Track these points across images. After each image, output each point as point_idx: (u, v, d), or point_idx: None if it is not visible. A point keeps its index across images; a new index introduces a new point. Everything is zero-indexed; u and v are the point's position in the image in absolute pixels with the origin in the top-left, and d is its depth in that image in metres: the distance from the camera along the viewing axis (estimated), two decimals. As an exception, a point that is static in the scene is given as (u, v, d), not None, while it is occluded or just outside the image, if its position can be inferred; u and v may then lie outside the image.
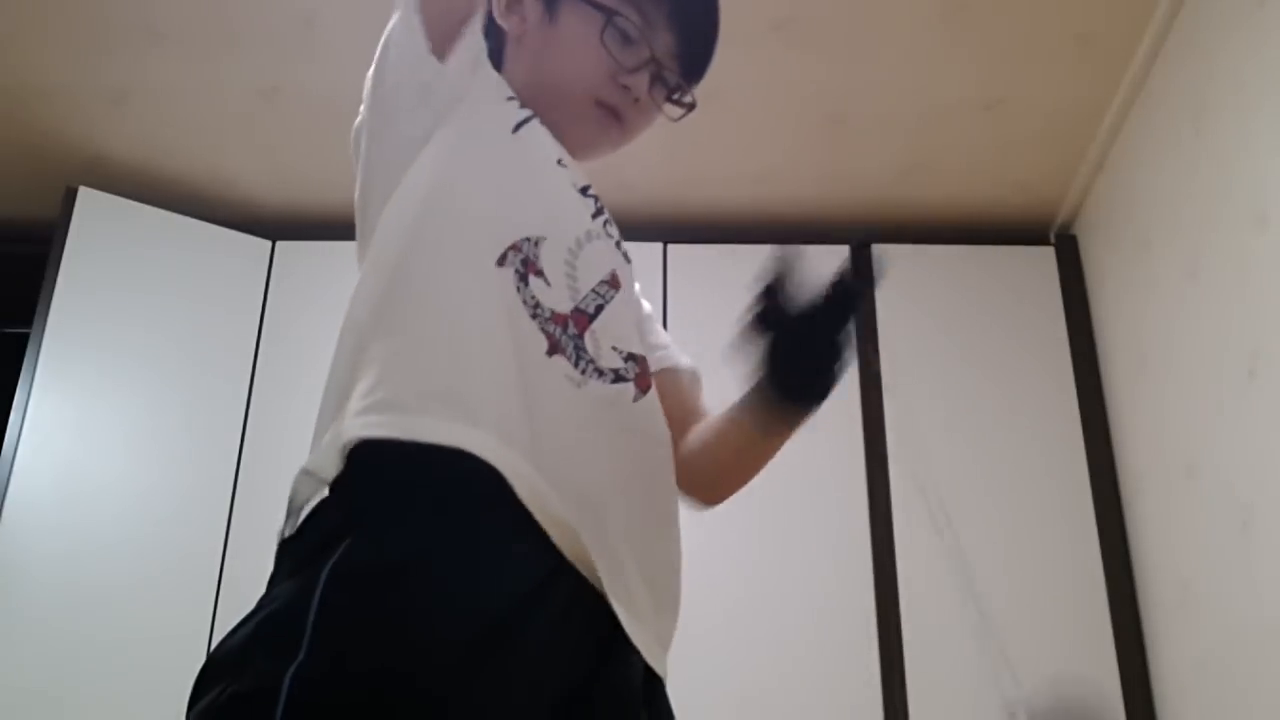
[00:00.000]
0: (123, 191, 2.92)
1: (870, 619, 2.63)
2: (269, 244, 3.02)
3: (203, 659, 0.90)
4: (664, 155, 2.79)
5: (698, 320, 2.98)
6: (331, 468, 0.95)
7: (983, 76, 2.67)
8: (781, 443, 1.13)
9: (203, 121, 2.84)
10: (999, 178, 2.94)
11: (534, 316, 1.01)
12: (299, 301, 2.94)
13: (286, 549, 0.96)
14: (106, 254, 2.86)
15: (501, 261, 1.02)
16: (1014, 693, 2.58)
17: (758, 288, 1.01)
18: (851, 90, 2.72)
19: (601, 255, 1.09)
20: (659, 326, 1.29)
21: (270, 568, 0.97)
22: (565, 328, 1.02)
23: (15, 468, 2.60)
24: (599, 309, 1.05)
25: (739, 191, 3.01)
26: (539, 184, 1.10)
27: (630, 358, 1.06)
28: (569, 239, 1.07)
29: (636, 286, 1.25)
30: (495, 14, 1.23)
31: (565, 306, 1.03)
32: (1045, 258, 3.00)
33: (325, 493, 0.96)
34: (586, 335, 1.03)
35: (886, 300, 2.91)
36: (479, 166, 1.08)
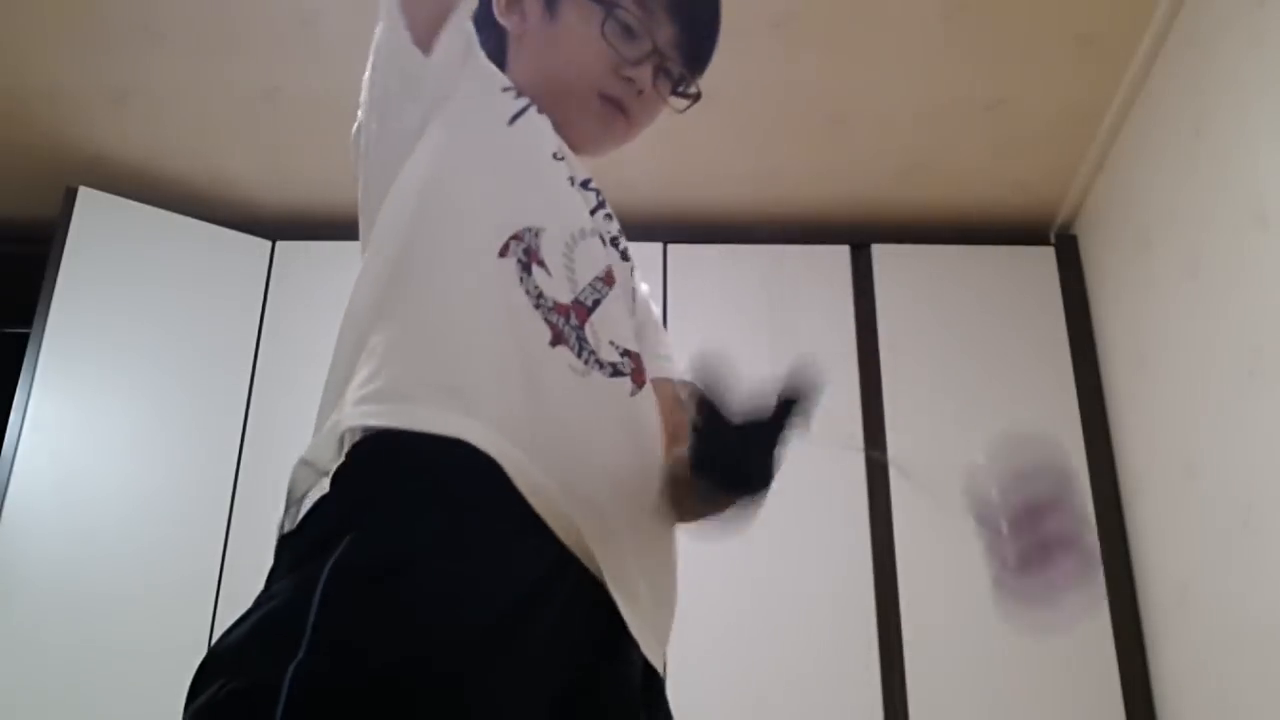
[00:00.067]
0: (123, 191, 2.92)
1: (870, 619, 2.63)
2: (269, 244, 3.02)
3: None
4: (664, 155, 2.79)
5: (698, 320, 3.00)
6: (330, 457, 0.95)
7: (983, 76, 2.67)
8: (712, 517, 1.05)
9: (203, 121, 2.84)
10: (999, 178, 2.94)
11: (537, 306, 1.01)
12: (299, 301, 2.94)
13: (286, 544, 0.96)
14: (106, 254, 2.86)
15: (504, 252, 1.02)
16: (1014, 693, 2.58)
17: (698, 403, 0.92)
18: (851, 90, 2.72)
19: (596, 251, 1.09)
20: (666, 336, 1.27)
21: (270, 566, 0.97)
22: (568, 318, 1.02)
23: (15, 468, 2.60)
24: (596, 303, 1.05)
25: (739, 191, 3.01)
26: (536, 175, 1.11)
27: (626, 353, 1.06)
28: (566, 232, 1.07)
29: (644, 288, 1.25)
30: (496, 12, 1.23)
31: (566, 297, 1.03)
32: (1045, 258, 3.00)
33: (324, 484, 0.96)
34: (586, 327, 1.03)
35: (886, 300, 2.92)
36: (475, 158, 1.08)
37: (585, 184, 1.15)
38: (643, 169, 2.81)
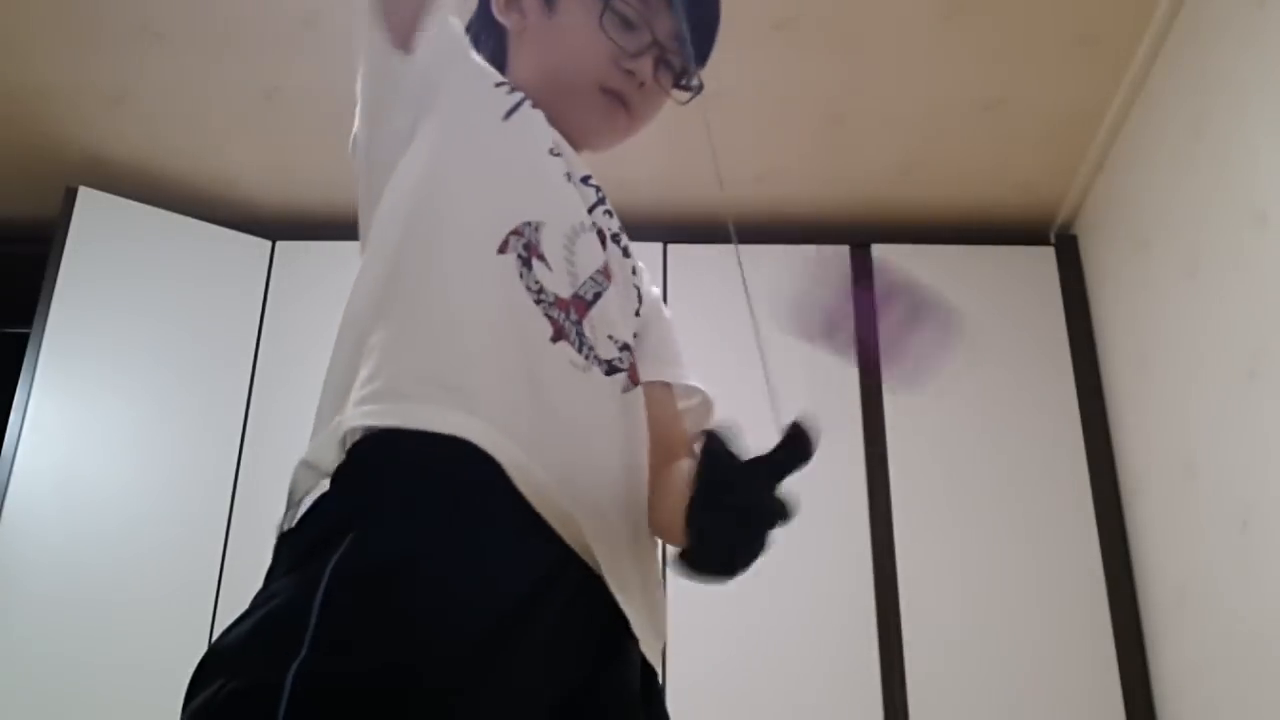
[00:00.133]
0: (123, 191, 2.92)
1: (870, 619, 2.63)
2: (269, 244, 3.02)
3: (203, 658, 0.90)
4: (664, 155, 2.78)
5: (698, 320, 2.99)
6: (332, 458, 0.95)
7: (983, 76, 2.67)
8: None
9: (203, 121, 2.84)
10: (999, 178, 2.94)
11: (538, 302, 1.01)
12: (299, 301, 2.94)
13: (285, 542, 0.96)
14: (106, 254, 2.86)
15: (503, 248, 1.02)
16: (1014, 693, 2.58)
17: (707, 459, 0.87)
18: (851, 90, 2.72)
19: (595, 247, 1.09)
20: (675, 338, 1.24)
21: (269, 565, 0.97)
22: (568, 313, 1.02)
23: (15, 468, 2.60)
24: (597, 296, 1.05)
25: (739, 191, 3.01)
26: (533, 170, 1.10)
27: (625, 347, 1.06)
28: (566, 225, 1.07)
29: (655, 291, 1.24)
30: (495, 12, 1.23)
31: (566, 292, 1.03)
32: (1045, 258, 3.00)
33: (325, 485, 0.96)
34: (585, 322, 1.03)
35: (886, 300, 2.91)
36: (471, 154, 1.08)
37: (585, 180, 1.15)
38: (644, 169, 2.81)
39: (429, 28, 1.08)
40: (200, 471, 2.77)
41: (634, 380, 1.07)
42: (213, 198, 3.01)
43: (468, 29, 1.27)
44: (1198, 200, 2.38)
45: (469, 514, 0.92)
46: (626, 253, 1.17)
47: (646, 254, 1.28)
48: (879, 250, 2.97)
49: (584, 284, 1.05)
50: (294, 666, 0.82)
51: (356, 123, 1.12)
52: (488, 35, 1.26)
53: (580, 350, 1.02)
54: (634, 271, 1.18)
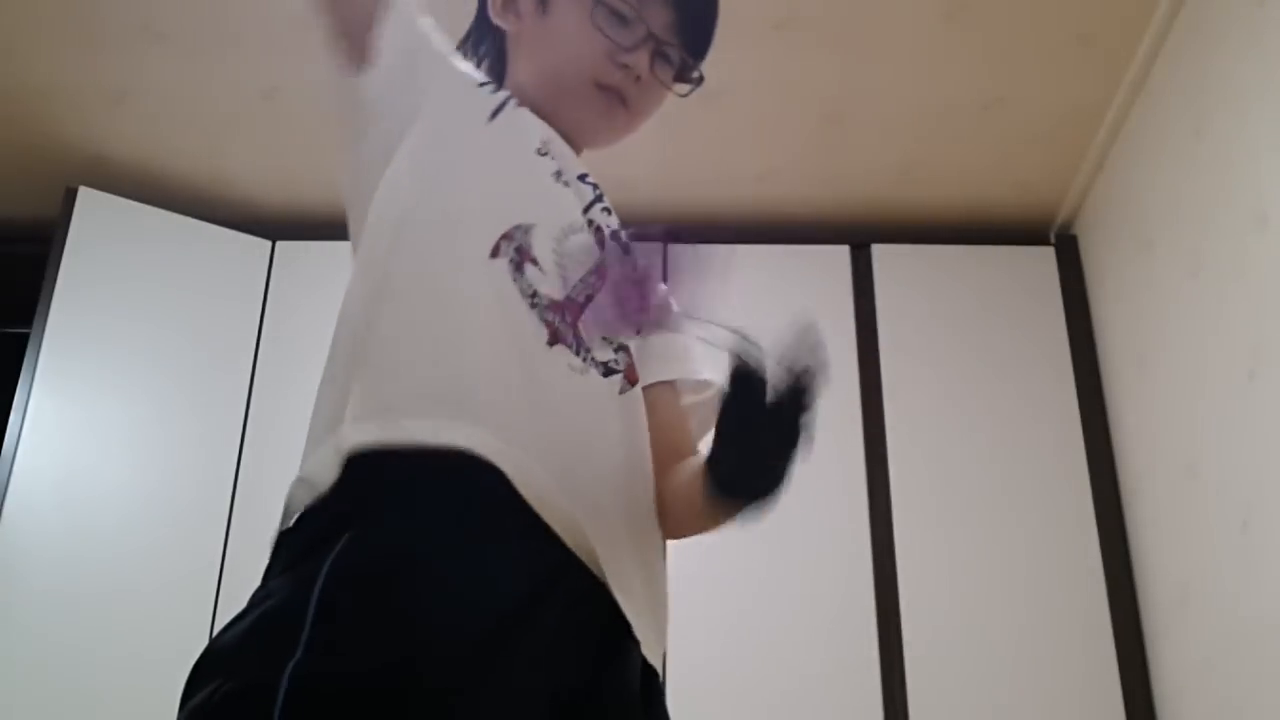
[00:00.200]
0: (123, 191, 2.92)
1: (870, 619, 2.63)
2: (269, 244, 3.02)
3: (202, 659, 0.90)
4: (664, 155, 2.79)
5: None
6: (329, 476, 0.94)
7: (983, 76, 2.67)
8: (727, 522, 1.01)
9: (203, 121, 2.84)
10: (999, 178, 2.94)
11: (533, 306, 1.00)
12: (299, 301, 2.94)
13: (283, 542, 0.96)
14: (106, 254, 2.86)
15: (495, 253, 1.01)
16: (1014, 693, 2.58)
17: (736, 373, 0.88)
18: (851, 90, 2.72)
19: (588, 247, 1.08)
20: (688, 339, 1.21)
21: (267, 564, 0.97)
22: (563, 316, 1.02)
23: (15, 468, 2.60)
24: (589, 298, 1.04)
25: (739, 191, 3.01)
26: (521, 171, 1.09)
27: (620, 348, 1.06)
28: (556, 227, 1.06)
29: (661, 286, 1.24)
30: (491, 14, 1.22)
31: (559, 294, 1.02)
32: (1045, 258, 2.99)
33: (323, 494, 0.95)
34: (580, 324, 1.03)
35: (886, 300, 2.92)
36: (455, 160, 1.08)
37: (582, 178, 1.14)
38: (643, 168, 2.80)
39: (383, 37, 1.08)
40: (200, 471, 2.77)
41: (631, 381, 1.06)
42: (213, 198, 3.01)
43: (467, 35, 1.26)
44: (1198, 200, 2.38)
45: (469, 516, 0.92)
46: (627, 250, 1.16)
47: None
48: (879, 250, 2.97)
49: (576, 285, 1.04)
50: (289, 667, 0.81)
51: (339, 152, 1.12)
52: (487, 40, 1.25)
53: (577, 353, 1.01)
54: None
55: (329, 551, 0.88)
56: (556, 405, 0.98)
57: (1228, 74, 2.25)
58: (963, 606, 2.65)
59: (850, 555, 2.69)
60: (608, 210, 1.15)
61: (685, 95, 1.20)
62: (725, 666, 2.55)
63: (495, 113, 1.11)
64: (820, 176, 2.96)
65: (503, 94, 1.13)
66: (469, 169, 1.08)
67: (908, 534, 2.70)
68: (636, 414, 1.06)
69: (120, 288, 2.85)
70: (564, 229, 1.07)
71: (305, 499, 0.95)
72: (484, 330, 0.99)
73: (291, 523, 0.96)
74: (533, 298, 1.01)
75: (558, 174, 1.11)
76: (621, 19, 1.15)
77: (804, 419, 0.88)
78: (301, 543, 0.92)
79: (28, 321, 2.75)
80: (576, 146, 1.18)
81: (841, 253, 2.98)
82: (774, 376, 0.87)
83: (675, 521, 1.07)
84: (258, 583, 0.95)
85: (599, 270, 1.07)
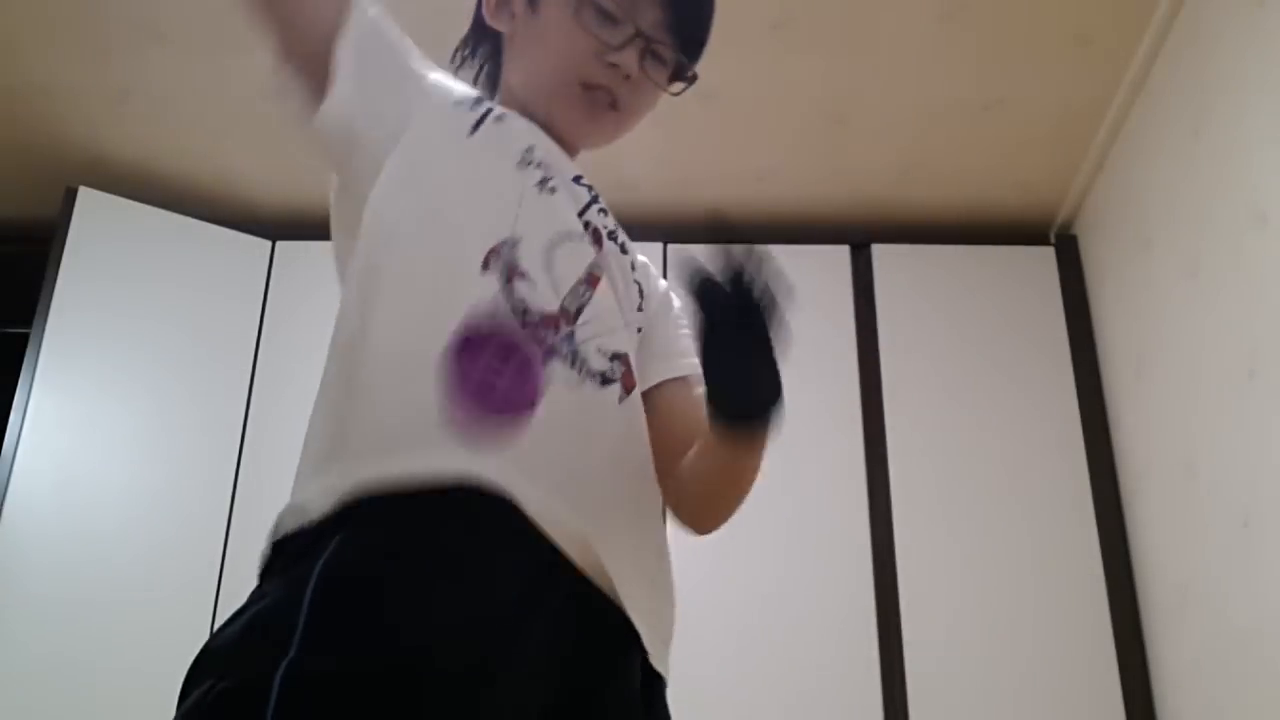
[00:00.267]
0: (123, 191, 2.92)
1: (870, 619, 2.63)
2: (269, 244, 3.02)
3: (202, 659, 0.90)
4: (664, 155, 2.79)
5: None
6: (325, 509, 0.92)
7: (983, 76, 2.67)
8: (754, 458, 1.04)
9: (203, 121, 2.84)
10: (999, 178, 2.94)
11: (524, 324, 0.99)
12: (299, 301, 2.94)
13: (276, 547, 0.96)
14: (106, 254, 2.86)
15: (485, 267, 1.00)
16: (1014, 693, 2.58)
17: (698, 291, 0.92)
18: (851, 90, 2.72)
19: (578, 255, 1.07)
20: (685, 330, 1.23)
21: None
22: (556, 329, 1.01)
23: (15, 468, 2.60)
24: (580, 309, 1.03)
25: (739, 191, 3.01)
26: (501, 185, 1.07)
27: (615, 357, 1.05)
28: (544, 237, 1.05)
29: (663, 284, 1.23)
30: (486, 17, 1.21)
31: (552, 306, 1.01)
32: (1045, 258, 3.00)
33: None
34: (574, 336, 1.01)
35: (886, 300, 2.92)
36: (439, 182, 1.06)
37: (576, 179, 1.13)
38: (643, 169, 2.81)
39: (339, 64, 1.05)
40: (200, 471, 2.77)
41: (628, 388, 1.05)
42: (213, 198, 3.01)
43: (464, 41, 1.26)
44: (1198, 200, 2.38)
45: (464, 522, 0.91)
46: (624, 249, 1.15)
47: (646, 254, 1.28)
48: (879, 250, 2.97)
49: (567, 296, 1.03)
50: (283, 665, 0.82)
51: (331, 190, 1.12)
52: (483, 43, 1.25)
53: (573, 366, 1.00)
54: (633, 267, 1.17)
55: (321, 552, 0.88)
56: (553, 422, 0.97)
57: (1227, 74, 2.25)
58: (962, 606, 2.65)
59: (850, 555, 2.69)
60: (604, 211, 1.14)
61: (678, 94, 1.19)
62: (724, 666, 2.55)
63: (475, 127, 1.09)
64: (820, 176, 2.96)
65: (482, 108, 1.12)
66: (451, 189, 1.06)
67: (908, 534, 2.70)
68: (636, 421, 1.06)
69: (120, 288, 2.85)
70: (552, 239, 1.05)
71: (297, 524, 0.94)
72: None
73: (282, 535, 0.95)
74: (524, 314, 0.99)
75: (543, 182, 1.09)
76: (609, 17, 1.13)
77: (770, 308, 0.92)
78: (296, 545, 0.92)
79: (28, 321, 2.75)
80: (570, 148, 1.17)
81: (841, 253, 2.98)
82: (727, 279, 0.91)
83: (705, 498, 1.09)
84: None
85: (590, 279, 1.06)
